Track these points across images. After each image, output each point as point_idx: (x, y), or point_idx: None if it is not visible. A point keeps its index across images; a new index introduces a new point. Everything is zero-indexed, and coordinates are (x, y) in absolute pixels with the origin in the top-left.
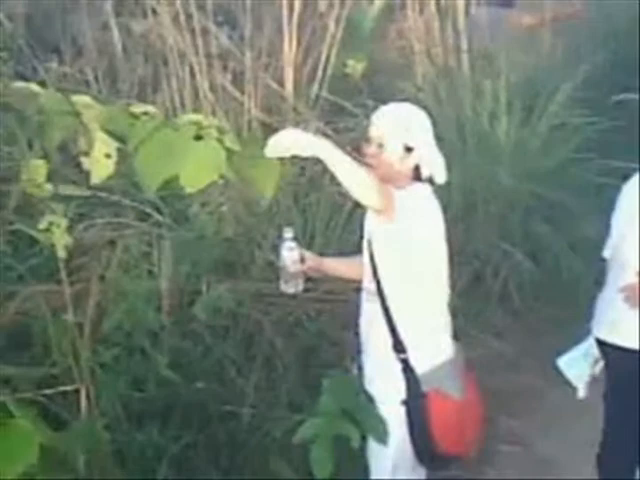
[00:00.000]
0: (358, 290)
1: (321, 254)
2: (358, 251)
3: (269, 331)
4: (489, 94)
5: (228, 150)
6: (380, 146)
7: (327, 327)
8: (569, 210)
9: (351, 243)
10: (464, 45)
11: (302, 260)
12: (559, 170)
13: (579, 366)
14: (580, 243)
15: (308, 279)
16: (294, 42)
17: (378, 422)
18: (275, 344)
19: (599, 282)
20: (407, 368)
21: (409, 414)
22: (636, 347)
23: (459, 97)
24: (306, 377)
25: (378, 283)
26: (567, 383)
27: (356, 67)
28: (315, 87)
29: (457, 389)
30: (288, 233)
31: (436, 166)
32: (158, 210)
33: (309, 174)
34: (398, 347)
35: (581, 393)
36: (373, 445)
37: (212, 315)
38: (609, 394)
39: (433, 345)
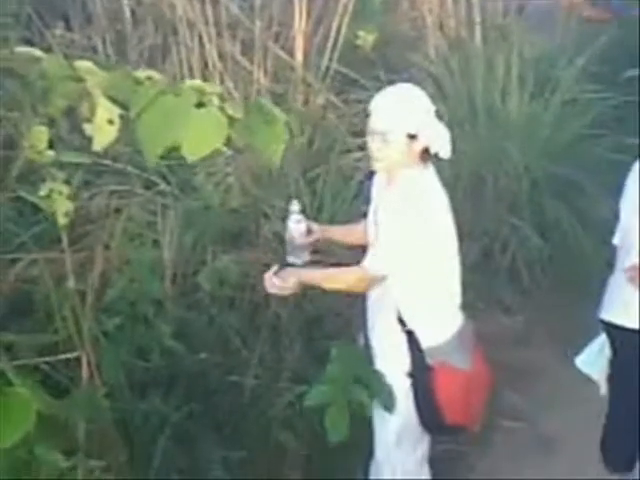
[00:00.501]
0: None
1: (329, 225)
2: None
3: (274, 302)
4: (501, 68)
5: (231, 118)
6: (384, 141)
7: (332, 298)
8: (580, 187)
9: (359, 216)
10: (477, 17)
11: (309, 232)
12: (571, 146)
13: (597, 363)
14: (590, 220)
15: (315, 251)
16: (304, 12)
17: (386, 389)
18: (280, 315)
19: (611, 264)
20: (412, 340)
21: (415, 386)
22: None
23: (471, 70)
24: (311, 348)
25: None
26: (574, 360)
27: (367, 39)
28: (325, 58)
29: (465, 361)
30: (295, 206)
31: (441, 142)
32: (164, 179)
33: (317, 146)
34: (403, 320)
35: (603, 390)
36: (377, 419)
37: (217, 285)
38: (615, 376)
39: (440, 318)
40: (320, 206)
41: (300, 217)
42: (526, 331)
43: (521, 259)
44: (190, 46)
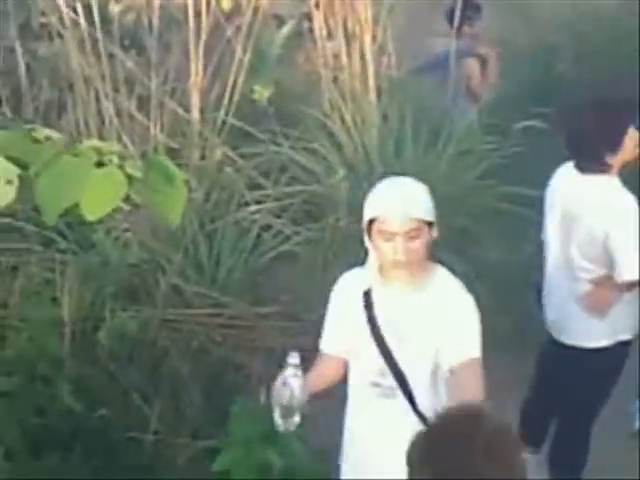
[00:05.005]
0: (263, 316)
1: (227, 279)
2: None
3: (174, 357)
4: (395, 119)
5: (130, 177)
6: (428, 224)
7: (232, 353)
8: (471, 236)
9: (257, 268)
10: (370, 71)
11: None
12: (462, 197)
13: None
14: (482, 268)
15: (214, 304)
16: (200, 67)
17: (298, 445)
18: (180, 370)
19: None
20: None
21: None
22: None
23: (365, 122)
24: (211, 403)
25: (400, 375)
26: None
27: (263, 93)
28: (222, 112)
29: None
30: (294, 358)
31: None
32: (63, 236)
33: (214, 199)
34: None
35: None
36: None
37: (117, 342)
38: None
39: None
40: (218, 260)
41: (299, 372)
42: None
43: None
44: (86, 102)
